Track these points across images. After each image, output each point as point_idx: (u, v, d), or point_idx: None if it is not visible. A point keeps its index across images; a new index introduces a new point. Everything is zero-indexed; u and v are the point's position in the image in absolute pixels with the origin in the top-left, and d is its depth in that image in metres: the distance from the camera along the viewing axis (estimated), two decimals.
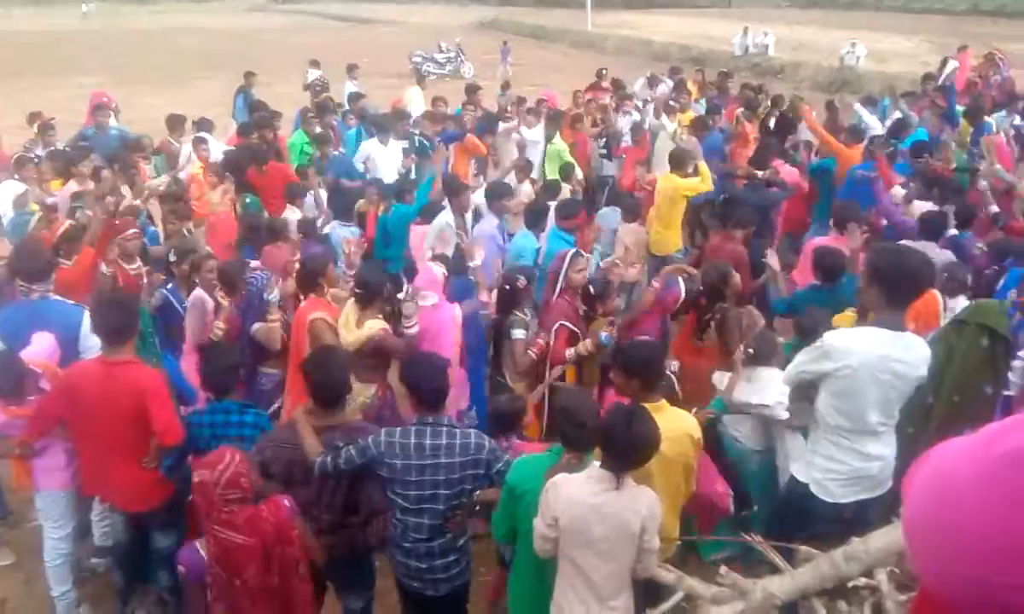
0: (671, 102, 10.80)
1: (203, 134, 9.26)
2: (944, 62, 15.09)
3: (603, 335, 4.88)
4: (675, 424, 3.46)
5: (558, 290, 5.17)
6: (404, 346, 4.60)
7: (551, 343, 4.97)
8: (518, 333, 5.04)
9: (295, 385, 4.78)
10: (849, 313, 4.85)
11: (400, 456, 3.34)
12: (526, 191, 8.42)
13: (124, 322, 3.92)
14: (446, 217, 6.94)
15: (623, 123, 10.76)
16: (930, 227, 6.15)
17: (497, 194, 6.97)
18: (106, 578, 4.70)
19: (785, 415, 4.17)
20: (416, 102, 12.68)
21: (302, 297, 5.12)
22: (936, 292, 5.06)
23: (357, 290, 4.82)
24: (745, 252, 6.42)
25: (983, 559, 0.69)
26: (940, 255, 5.70)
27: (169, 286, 5.60)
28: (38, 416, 3.96)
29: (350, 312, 4.80)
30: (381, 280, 5.06)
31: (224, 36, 31.04)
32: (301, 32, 29.66)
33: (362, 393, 4.68)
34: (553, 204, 7.03)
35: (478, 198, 7.40)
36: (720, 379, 4.71)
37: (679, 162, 7.76)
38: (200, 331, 5.17)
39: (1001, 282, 5.43)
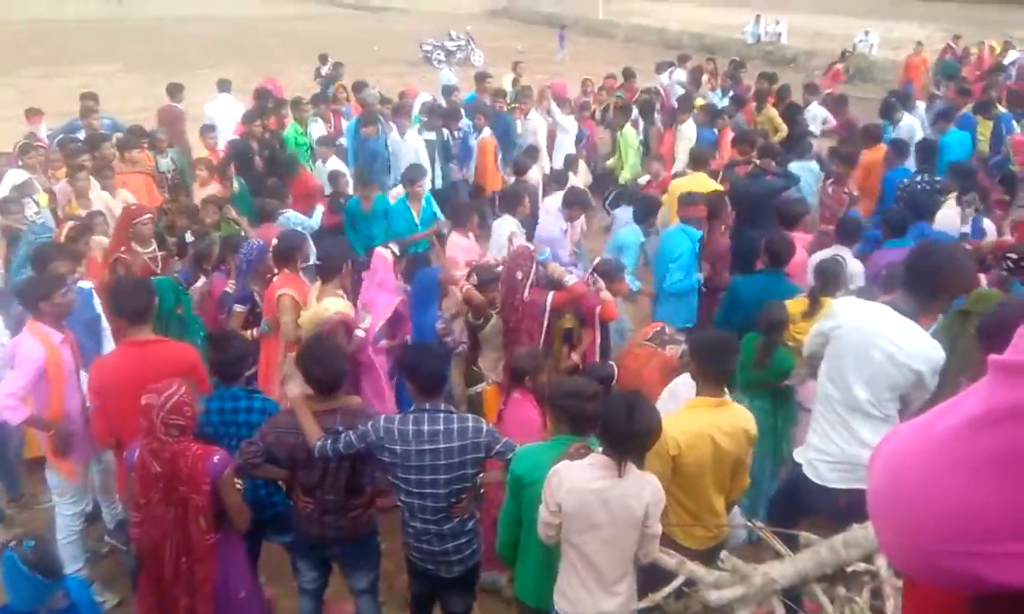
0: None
1: (211, 122, 9.28)
2: (999, 48, 14.79)
3: None
4: (735, 420, 3.49)
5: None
6: (354, 347, 4.79)
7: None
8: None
9: (267, 353, 5.10)
10: (801, 298, 4.96)
11: (399, 442, 3.38)
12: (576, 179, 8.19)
13: (146, 302, 4.10)
14: (510, 225, 6.76)
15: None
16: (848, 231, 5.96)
17: (573, 202, 6.82)
18: (114, 558, 4.79)
19: None
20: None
21: (276, 271, 5.23)
22: None
23: (318, 264, 5.01)
24: (724, 244, 6.41)
25: (924, 528, 0.72)
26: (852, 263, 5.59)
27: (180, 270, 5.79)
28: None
29: (315, 289, 5.03)
30: (342, 255, 5.16)
31: (235, 24, 31.15)
32: (312, 19, 29.72)
33: None
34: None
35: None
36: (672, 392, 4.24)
37: (703, 159, 7.52)
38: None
39: None
